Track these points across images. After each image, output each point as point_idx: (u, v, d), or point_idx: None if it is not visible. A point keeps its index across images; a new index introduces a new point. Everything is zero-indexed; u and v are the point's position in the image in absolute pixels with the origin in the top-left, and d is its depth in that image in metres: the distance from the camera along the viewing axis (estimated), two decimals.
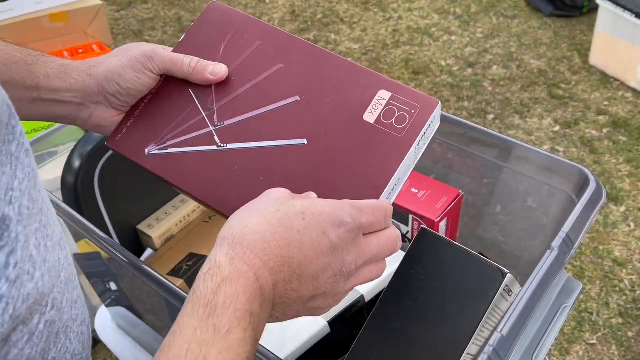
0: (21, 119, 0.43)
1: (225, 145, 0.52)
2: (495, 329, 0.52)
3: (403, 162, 0.47)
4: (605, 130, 2.11)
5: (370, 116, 0.49)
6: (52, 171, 0.79)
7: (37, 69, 0.52)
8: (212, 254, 0.39)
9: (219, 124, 0.53)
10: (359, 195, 0.46)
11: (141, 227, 0.87)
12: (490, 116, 2.21)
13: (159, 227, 0.87)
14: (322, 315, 0.47)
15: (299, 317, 0.42)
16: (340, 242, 0.41)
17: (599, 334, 1.51)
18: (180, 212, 0.89)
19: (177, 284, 0.73)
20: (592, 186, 0.66)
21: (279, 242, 0.39)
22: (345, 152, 0.48)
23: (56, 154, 0.81)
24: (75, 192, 0.75)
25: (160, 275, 0.61)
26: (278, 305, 0.40)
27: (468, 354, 0.54)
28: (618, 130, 2.11)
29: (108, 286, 0.84)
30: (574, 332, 1.52)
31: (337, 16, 2.84)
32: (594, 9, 2.46)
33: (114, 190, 0.79)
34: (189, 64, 0.54)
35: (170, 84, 0.56)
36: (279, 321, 0.42)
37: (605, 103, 2.23)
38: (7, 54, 0.52)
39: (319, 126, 0.50)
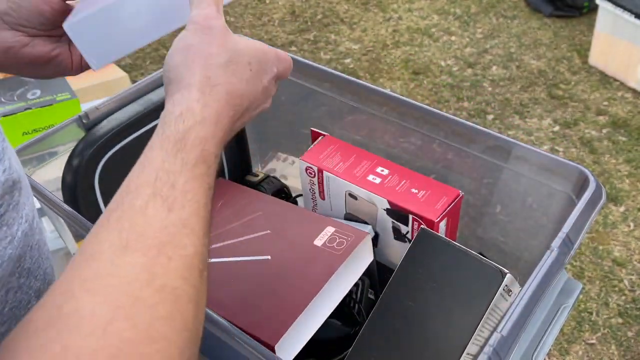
0: None
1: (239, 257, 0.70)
2: (495, 329, 0.52)
3: (334, 273, 0.62)
4: (604, 131, 2.11)
5: (319, 241, 0.67)
6: (53, 171, 0.79)
7: None
8: (179, 99, 0.43)
9: (242, 236, 0.71)
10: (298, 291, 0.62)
11: None
12: (490, 116, 2.21)
13: None
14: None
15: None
16: (269, 86, 0.49)
17: (599, 334, 1.52)
18: None
19: None
20: (591, 186, 0.66)
21: (235, 90, 0.45)
22: (298, 264, 0.65)
23: (56, 154, 0.81)
24: (76, 192, 0.75)
25: None
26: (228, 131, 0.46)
27: (468, 353, 0.54)
28: (617, 131, 2.11)
29: None
30: (574, 332, 1.52)
31: (337, 16, 2.84)
32: (594, 9, 2.46)
33: (114, 190, 0.79)
34: None
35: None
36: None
37: (605, 103, 2.24)
38: None
39: (281, 248, 0.67)
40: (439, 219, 0.70)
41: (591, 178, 0.67)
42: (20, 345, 0.30)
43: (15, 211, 0.37)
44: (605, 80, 2.34)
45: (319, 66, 0.86)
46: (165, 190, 0.37)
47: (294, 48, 2.62)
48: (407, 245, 0.64)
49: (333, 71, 0.82)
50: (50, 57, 0.60)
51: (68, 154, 0.76)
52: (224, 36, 0.47)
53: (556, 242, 0.59)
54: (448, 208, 0.71)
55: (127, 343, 0.30)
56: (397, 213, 0.71)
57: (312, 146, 0.78)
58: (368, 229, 0.75)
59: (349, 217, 0.77)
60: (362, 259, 0.67)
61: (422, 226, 0.66)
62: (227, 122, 0.44)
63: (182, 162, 0.39)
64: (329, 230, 0.68)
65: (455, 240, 0.75)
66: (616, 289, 1.61)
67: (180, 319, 0.34)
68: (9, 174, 0.36)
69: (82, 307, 0.31)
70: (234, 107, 0.45)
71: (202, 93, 0.43)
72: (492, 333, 0.53)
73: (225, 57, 0.46)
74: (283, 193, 0.86)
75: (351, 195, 0.74)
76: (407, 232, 0.73)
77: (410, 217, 0.71)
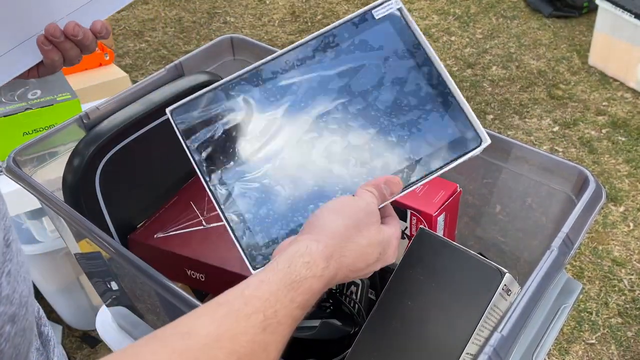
0: None
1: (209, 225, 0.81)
2: (495, 328, 0.53)
3: None
4: (604, 131, 2.12)
5: None
6: (53, 171, 0.79)
7: None
8: (314, 249, 0.47)
9: (206, 215, 0.81)
10: None
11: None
12: (490, 116, 2.21)
13: None
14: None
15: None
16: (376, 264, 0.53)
17: (598, 334, 1.52)
18: None
19: (177, 284, 0.73)
20: (591, 186, 0.66)
21: (357, 269, 0.51)
22: None
23: (57, 154, 0.81)
24: (77, 191, 0.75)
25: (161, 274, 0.61)
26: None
27: (467, 353, 0.55)
28: (617, 131, 2.11)
29: (109, 286, 0.84)
30: (573, 332, 1.52)
31: (337, 17, 2.84)
32: (594, 9, 2.46)
33: (115, 189, 0.80)
34: None
35: (180, 202, 0.86)
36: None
37: (605, 103, 2.24)
38: None
39: None
40: (437, 213, 0.70)
41: (591, 178, 0.67)
42: None
43: None
44: (604, 80, 2.34)
45: None
46: (269, 312, 0.42)
47: None
48: (406, 242, 0.64)
49: None
50: None
51: (68, 154, 0.76)
52: (374, 223, 0.52)
53: (556, 242, 0.59)
54: (446, 202, 0.71)
55: None
56: (395, 208, 0.72)
57: None
58: None
59: None
60: None
61: (420, 226, 0.66)
62: (334, 284, 0.49)
63: (290, 300, 0.44)
64: None
65: (454, 240, 0.75)
66: (616, 289, 1.62)
67: None
68: None
69: None
70: (345, 278, 0.50)
71: (331, 257, 0.48)
72: (492, 333, 0.53)
73: (366, 242, 0.51)
74: None
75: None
76: (406, 227, 0.73)
77: (409, 212, 0.71)
